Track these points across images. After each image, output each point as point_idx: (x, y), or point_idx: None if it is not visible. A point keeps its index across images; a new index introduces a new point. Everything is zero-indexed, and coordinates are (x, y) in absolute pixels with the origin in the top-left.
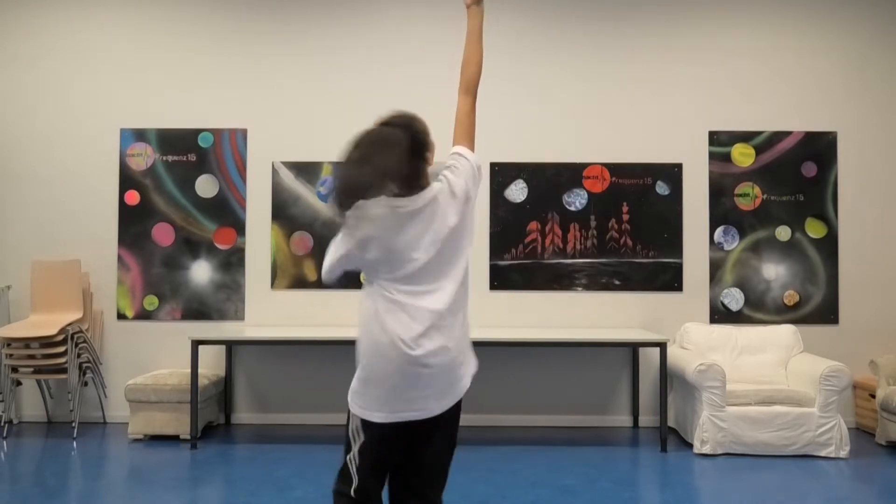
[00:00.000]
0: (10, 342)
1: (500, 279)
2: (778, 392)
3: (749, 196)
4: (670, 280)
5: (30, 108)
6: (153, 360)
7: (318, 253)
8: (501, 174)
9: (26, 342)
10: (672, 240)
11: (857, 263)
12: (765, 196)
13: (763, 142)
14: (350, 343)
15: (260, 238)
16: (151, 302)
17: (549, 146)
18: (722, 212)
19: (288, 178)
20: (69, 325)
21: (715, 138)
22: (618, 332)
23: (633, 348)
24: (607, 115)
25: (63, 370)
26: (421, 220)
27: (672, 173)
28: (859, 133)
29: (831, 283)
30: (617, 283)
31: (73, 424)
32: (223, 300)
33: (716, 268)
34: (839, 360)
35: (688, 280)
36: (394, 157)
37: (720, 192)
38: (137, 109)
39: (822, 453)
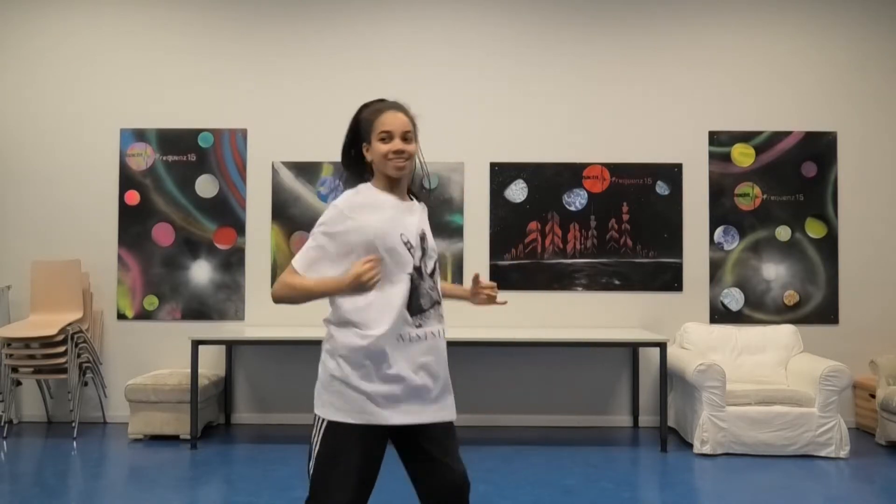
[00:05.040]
0: (10, 342)
1: (501, 279)
2: (778, 392)
3: (749, 196)
4: (670, 280)
5: (30, 108)
6: (153, 360)
7: None
8: (501, 174)
9: (26, 342)
10: (672, 240)
11: (857, 263)
12: (765, 196)
13: (763, 142)
14: None
15: (260, 238)
16: (151, 302)
17: (549, 146)
18: (722, 212)
19: (288, 178)
20: (69, 325)
21: (715, 138)
22: (618, 332)
23: (633, 348)
24: (607, 114)
25: (63, 370)
26: None
27: (672, 173)
28: (859, 133)
29: (831, 283)
30: (617, 283)
31: (73, 424)
32: (223, 300)
33: (716, 268)
34: (839, 360)
35: (688, 280)
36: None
37: (720, 192)
38: (137, 109)
39: (822, 453)
